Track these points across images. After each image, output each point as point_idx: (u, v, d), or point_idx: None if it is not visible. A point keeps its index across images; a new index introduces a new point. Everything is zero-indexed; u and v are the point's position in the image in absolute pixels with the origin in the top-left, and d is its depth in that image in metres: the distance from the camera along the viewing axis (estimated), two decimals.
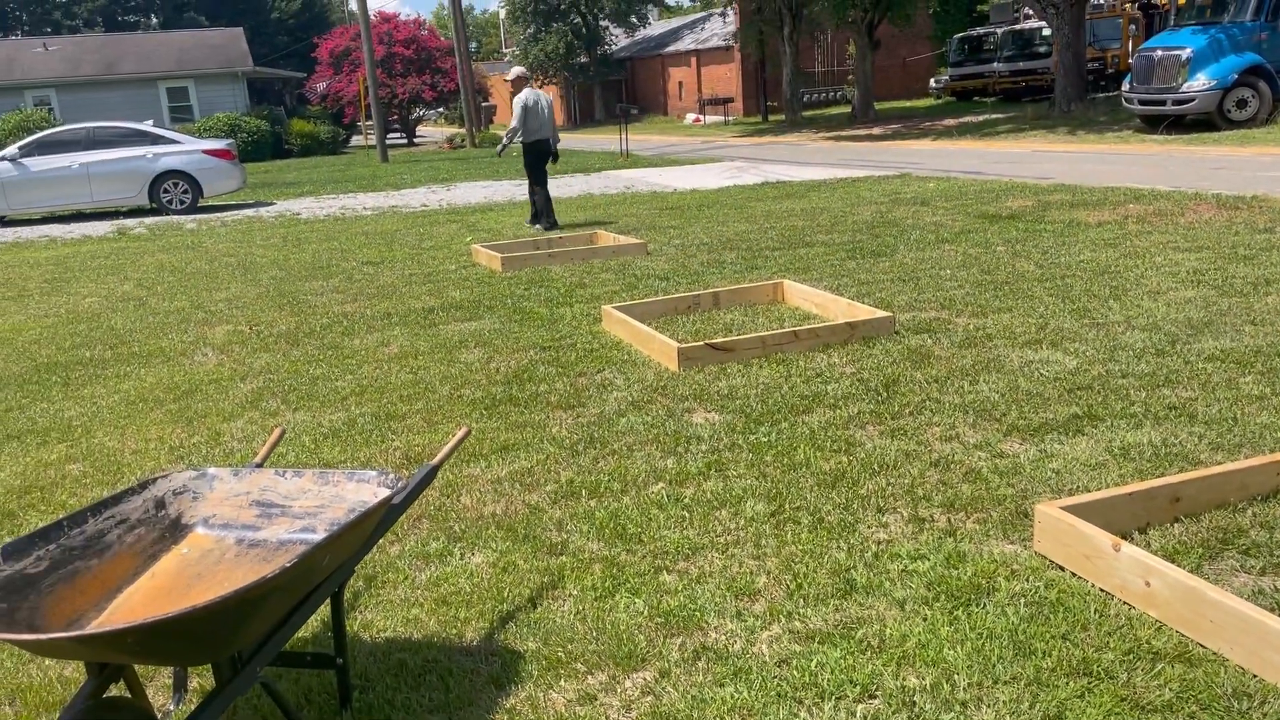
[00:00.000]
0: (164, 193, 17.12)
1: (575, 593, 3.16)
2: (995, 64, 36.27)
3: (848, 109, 41.43)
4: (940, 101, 39.88)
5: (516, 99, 11.50)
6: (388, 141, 36.24)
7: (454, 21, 34.60)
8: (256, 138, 32.72)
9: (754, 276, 8.00)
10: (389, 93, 39.18)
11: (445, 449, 2.99)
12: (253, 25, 40.84)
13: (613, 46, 53.12)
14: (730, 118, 40.96)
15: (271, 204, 18.44)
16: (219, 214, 17.05)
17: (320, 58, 41.49)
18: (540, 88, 55.00)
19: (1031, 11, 35.45)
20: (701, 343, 5.56)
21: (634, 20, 52.06)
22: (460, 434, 3.04)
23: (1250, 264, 7.11)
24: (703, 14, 53.93)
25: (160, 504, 2.80)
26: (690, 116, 44.63)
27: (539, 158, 11.76)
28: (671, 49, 50.26)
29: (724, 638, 2.84)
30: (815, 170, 17.80)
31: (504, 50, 62.39)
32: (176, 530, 2.79)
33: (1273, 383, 4.58)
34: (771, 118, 39.74)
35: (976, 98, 37.80)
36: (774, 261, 8.62)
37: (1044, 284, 6.90)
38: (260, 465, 3.07)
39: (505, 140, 11.99)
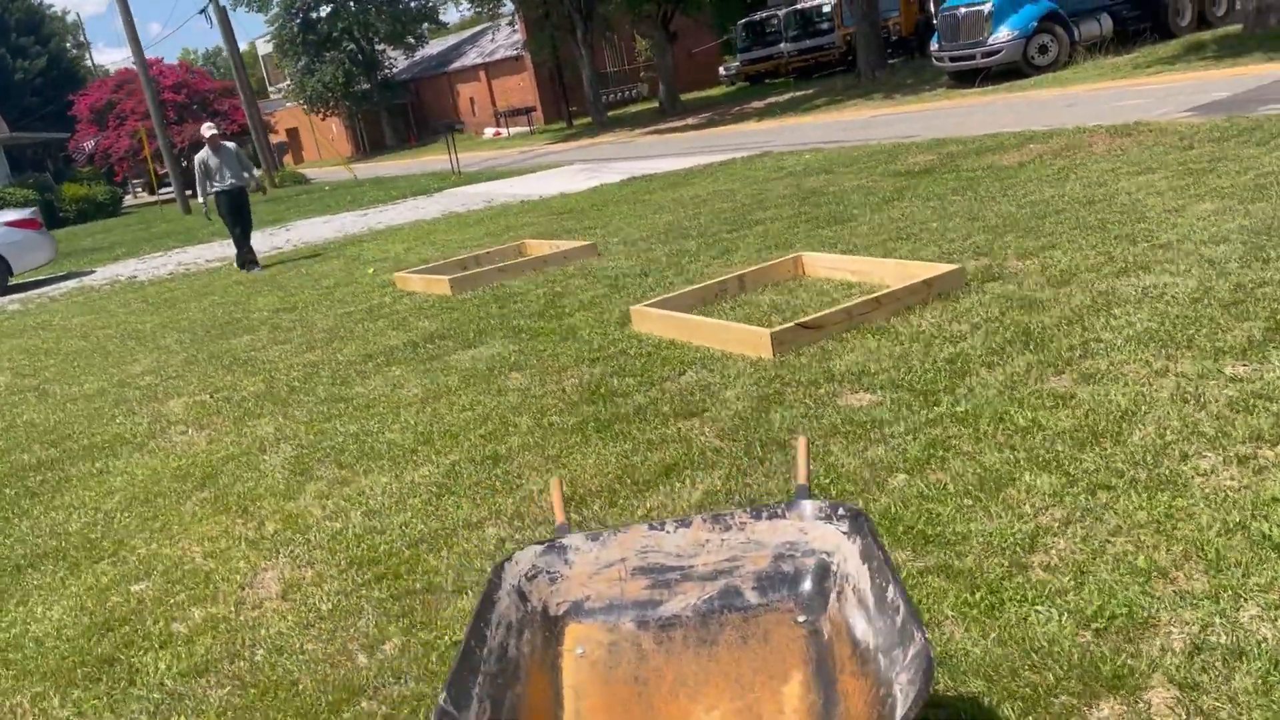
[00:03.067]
0: None
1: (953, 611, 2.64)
2: (782, 45, 37.34)
3: (648, 105, 41.75)
4: (735, 88, 40.74)
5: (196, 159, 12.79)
6: (168, 196, 33.70)
7: (232, 60, 32.47)
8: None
9: (739, 259, 7.58)
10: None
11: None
12: None
13: (393, 70, 51.54)
14: (533, 127, 40.39)
15: (91, 271, 16.56)
16: (37, 290, 15.13)
17: (80, 115, 38.13)
18: (323, 119, 52.61)
19: None
20: (792, 324, 5.09)
21: (411, 41, 50.65)
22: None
23: (1218, 175, 7.25)
24: (481, 27, 53.04)
25: (522, 596, 2.10)
26: (489, 130, 43.76)
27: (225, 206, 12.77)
28: (457, 65, 49.28)
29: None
30: (671, 161, 17.56)
31: (274, 85, 59.40)
32: (552, 627, 2.10)
33: None
34: (576, 122, 39.46)
35: (768, 80, 38.84)
36: (741, 242, 8.23)
37: (1053, 220, 6.81)
38: (566, 524, 2.39)
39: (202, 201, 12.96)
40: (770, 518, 2.15)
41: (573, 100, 40.30)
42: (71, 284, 15.23)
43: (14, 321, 11.95)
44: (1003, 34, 20.66)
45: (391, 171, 32.37)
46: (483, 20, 48.04)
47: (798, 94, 29.86)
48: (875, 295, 5.32)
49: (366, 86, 49.49)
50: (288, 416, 5.59)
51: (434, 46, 54.24)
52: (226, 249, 16.60)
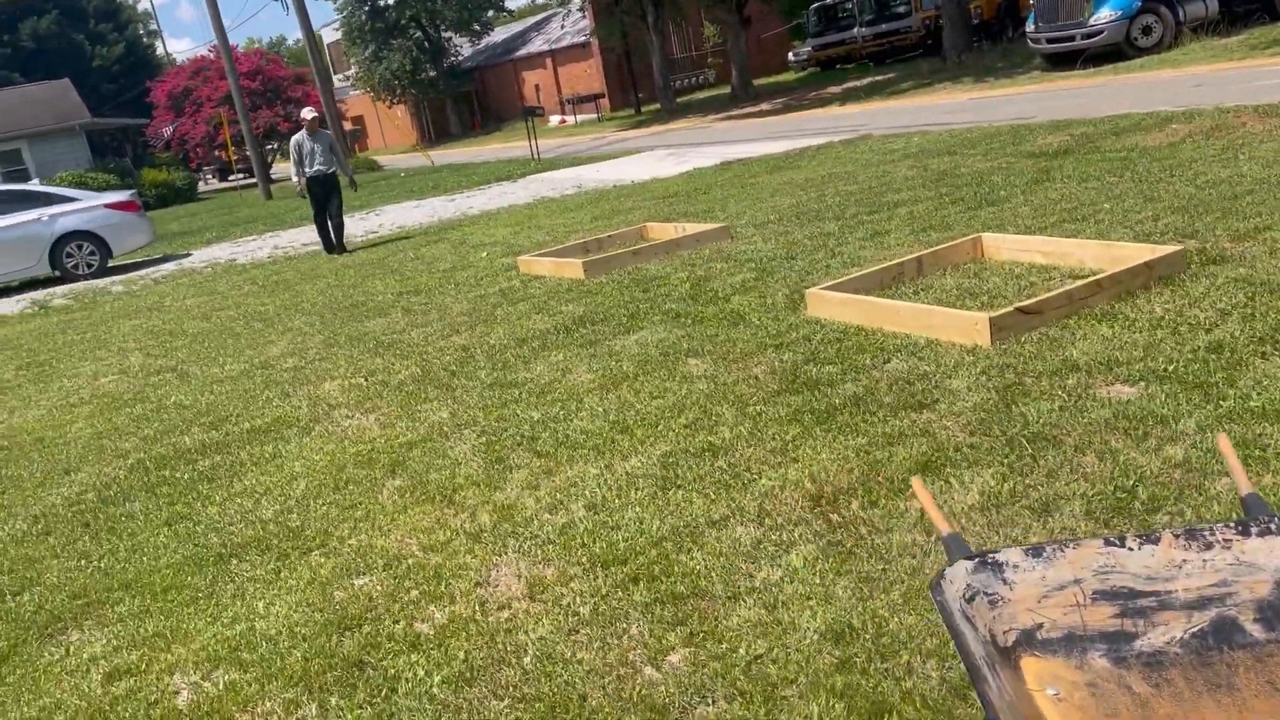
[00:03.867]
0: (67, 257, 15.11)
1: None
2: (856, 29, 36.61)
3: (717, 92, 41.26)
4: (806, 73, 40.09)
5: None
6: (242, 181, 33.93)
7: (308, 47, 32.56)
8: None
9: (892, 241, 7.20)
10: (239, 130, 36.70)
11: None
12: (74, 76, 37.47)
13: (459, 57, 51.55)
14: (600, 114, 40.07)
15: (187, 254, 16.60)
16: (136, 272, 15.16)
17: (157, 101, 38.59)
18: (390, 107, 52.84)
19: None
20: (1010, 308, 4.72)
21: (477, 28, 50.57)
22: None
23: None
24: (548, 14, 52.84)
25: (969, 621, 1.77)
26: (555, 118, 43.53)
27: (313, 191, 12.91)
28: (522, 53, 49.11)
29: None
30: (760, 145, 17.12)
31: (339, 74, 59.80)
32: (1005, 660, 1.77)
33: None
34: (644, 109, 39.09)
35: (839, 65, 38.14)
36: (888, 224, 7.84)
37: (1248, 200, 6.35)
38: (958, 535, 2.06)
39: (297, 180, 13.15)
40: (1263, 534, 1.79)
41: (640, 87, 39.94)
42: (170, 266, 15.24)
43: (124, 303, 11.91)
44: (1105, 14, 19.94)
45: (462, 158, 32.30)
46: (551, 6, 47.87)
47: (878, 78, 29.22)
48: (1095, 278, 4.93)
49: (433, 74, 49.56)
50: (457, 401, 5.33)
51: (499, 34, 54.17)
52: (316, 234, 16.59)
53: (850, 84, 29.78)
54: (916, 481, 2.25)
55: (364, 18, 47.93)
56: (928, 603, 2.72)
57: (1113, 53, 19.96)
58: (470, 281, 8.91)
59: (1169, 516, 2.91)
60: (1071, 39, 20.39)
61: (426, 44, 49.08)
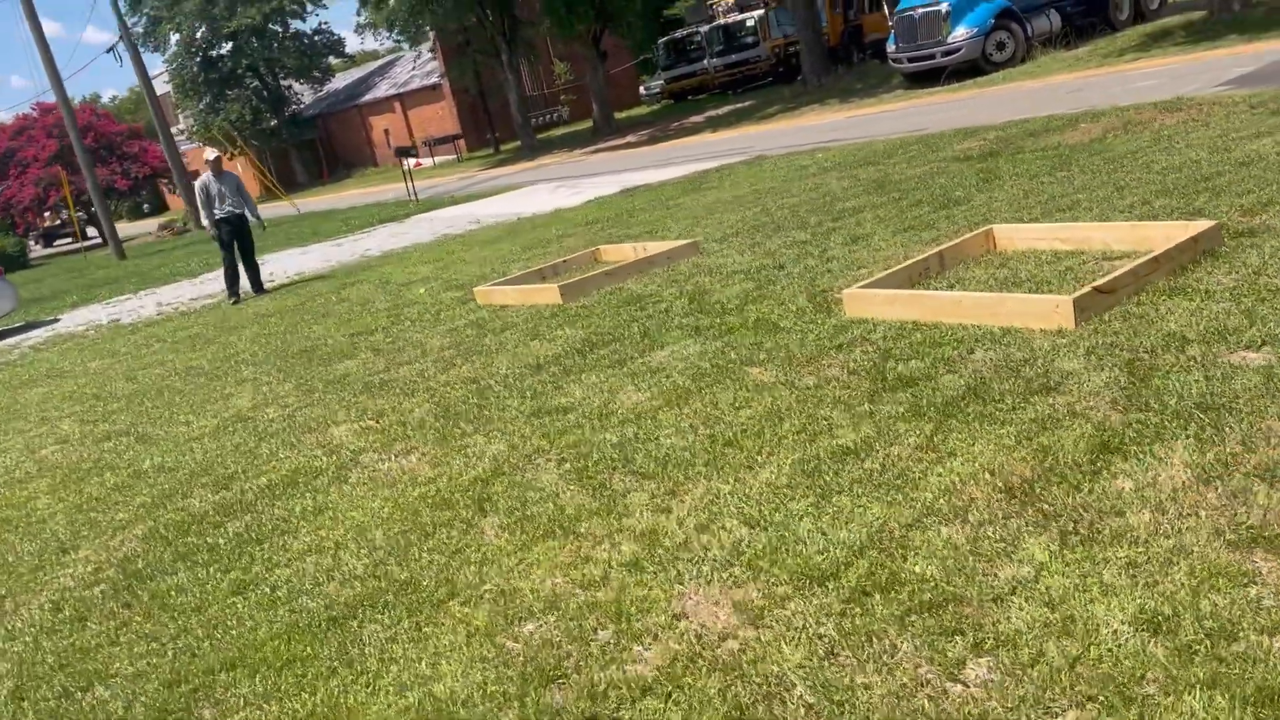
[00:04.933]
0: None
1: None
2: (707, 61, 37.41)
3: (574, 128, 41.38)
4: (660, 106, 40.67)
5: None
6: (68, 246, 31.83)
7: (148, 100, 30.91)
8: None
9: (879, 242, 7.16)
10: (75, 189, 34.49)
11: None
12: None
13: (301, 105, 50.12)
14: (460, 155, 39.53)
15: (54, 319, 15.30)
16: (2, 341, 13.83)
17: None
18: (231, 159, 51.31)
19: (722, 7, 36.96)
20: (1088, 289, 4.69)
21: (318, 75, 49.31)
22: None
23: None
24: (389, 59, 52.00)
25: None
26: (409, 161, 42.62)
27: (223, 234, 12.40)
28: (369, 98, 48.16)
29: None
30: (658, 172, 17.09)
31: (175, 126, 57.09)
32: None
33: None
34: (503, 147, 38.80)
35: (691, 97, 38.87)
36: (867, 227, 7.81)
37: (1225, 179, 6.58)
38: None
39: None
40: None
41: (496, 126, 39.65)
42: (42, 332, 14.00)
43: (11, 373, 10.79)
44: (961, 32, 20.90)
45: (323, 205, 31.24)
46: (396, 51, 47.08)
47: (739, 106, 29.86)
48: (1152, 256, 4.95)
49: (274, 123, 47.99)
50: (506, 433, 4.93)
51: (340, 80, 53.00)
52: (203, 285, 15.58)
53: (710, 113, 30.33)
54: None
55: (195, 69, 46.03)
56: (1229, 579, 2.55)
57: (970, 68, 20.91)
58: (427, 317, 8.42)
59: None
60: (932, 57, 21.29)
61: (266, 93, 47.52)
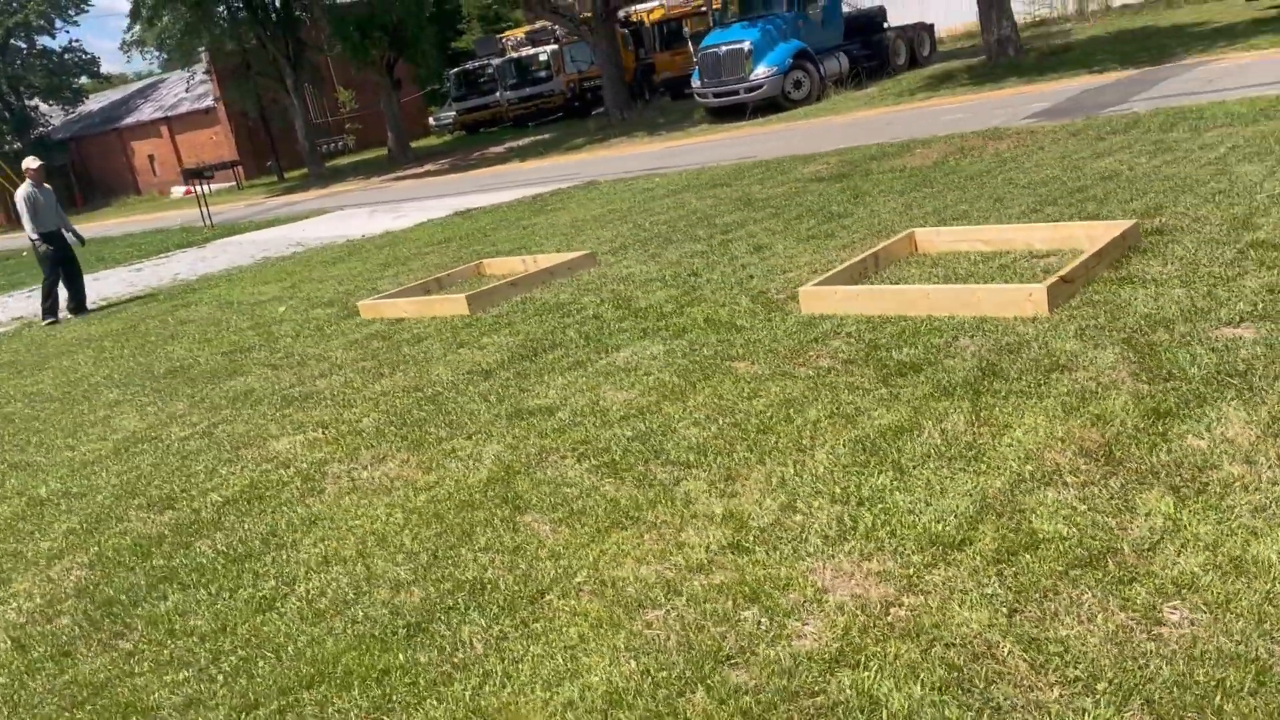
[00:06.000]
0: None
1: None
2: (500, 94, 37.34)
3: (362, 156, 40.16)
4: (453, 137, 40.18)
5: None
6: None
7: None
8: None
9: (781, 250, 7.31)
10: None
11: None
12: None
13: (49, 127, 46.08)
14: (240, 183, 37.41)
15: None
16: None
17: None
18: None
19: (512, 41, 37.12)
20: (1055, 278, 4.96)
21: (68, 95, 45.54)
22: None
23: (1174, 151, 7.97)
24: (153, 80, 48.71)
25: None
26: (177, 189, 39.96)
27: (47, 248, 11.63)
28: (130, 121, 44.88)
29: None
30: (485, 196, 16.85)
31: None
32: None
33: None
34: (288, 175, 37.09)
35: (483, 129, 38.70)
36: (763, 239, 7.96)
37: (1103, 189, 7.17)
38: None
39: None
40: None
41: (279, 153, 37.88)
42: None
43: None
44: (762, 70, 21.89)
45: (96, 231, 28.69)
46: (159, 73, 44.19)
47: (539, 138, 29.95)
48: (1097, 250, 5.31)
49: (18, 146, 43.78)
50: (494, 435, 4.65)
51: (95, 102, 49.14)
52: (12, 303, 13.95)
53: (510, 144, 30.25)
54: None
55: None
56: None
57: (771, 105, 21.93)
58: (308, 333, 7.87)
59: None
60: (735, 93, 22.15)
61: (8, 114, 43.38)
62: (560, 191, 15.09)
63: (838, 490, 3.45)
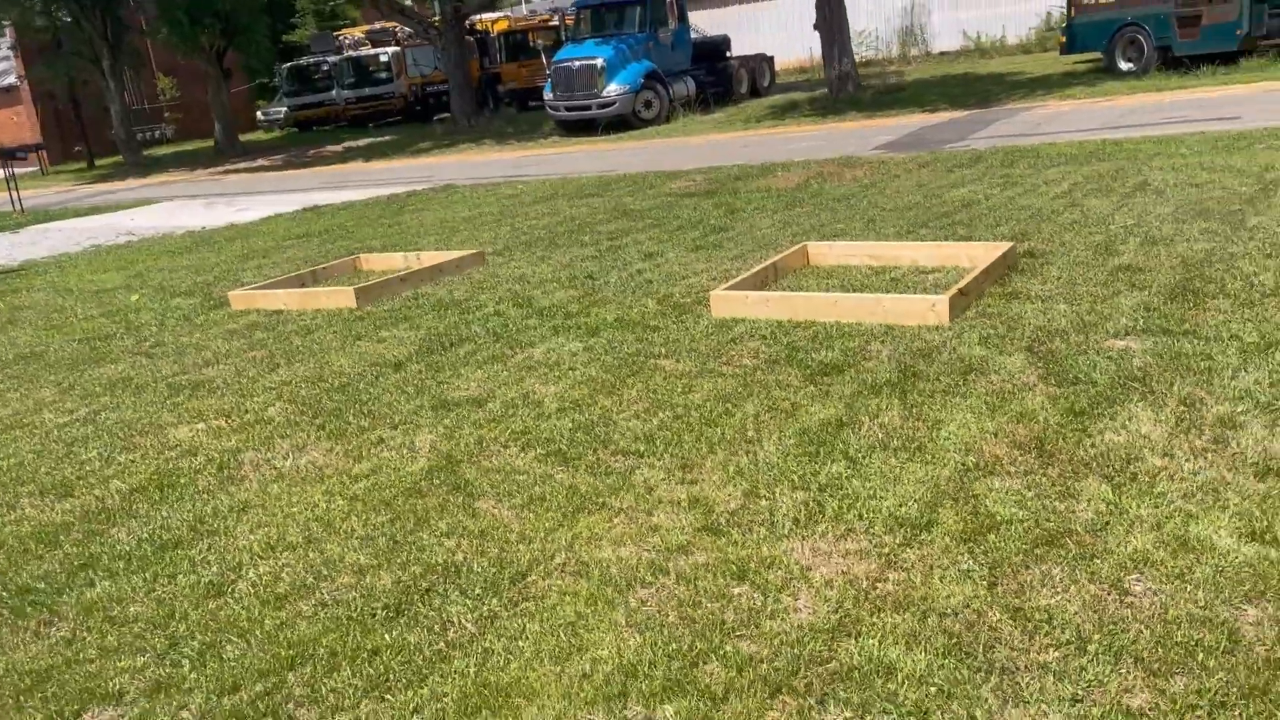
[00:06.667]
0: None
1: None
2: (336, 92, 36.32)
3: (182, 146, 38.14)
4: (284, 133, 38.74)
5: None
6: None
7: None
8: None
9: (673, 259, 7.47)
10: None
11: None
12: None
13: None
14: (44, 168, 34.77)
15: None
16: None
17: None
18: None
19: (349, 40, 36.23)
20: (955, 290, 5.30)
21: None
22: None
23: (1017, 183, 8.65)
24: None
25: None
26: None
27: None
28: None
29: None
30: (335, 194, 16.36)
31: None
32: None
33: None
34: (99, 162, 34.78)
35: (316, 127, 37.52)
36: (649, 247, 8.10)
37: (966, 214, 7.68)
38: None
39: None
40: None
41: (90, 139, 35.49)
42: None
43: None
44: (614, 88, 22.19)
45: None
46: None
47: (379, 139, 29.30)
48: (985, 268, 5.70)
49: None
50: (419, 425, 4.56)
51: None
52: None
53: (349, 144, 29.45)
54: None
55: None
56: (1276, 496, 3.08)
57: (621, 122, 22.26)
58: (177, 322, 7.45)
59: None
60: (588, 108, 22.36)
61: None
62: (417, 193, 14.83)
63: (796, 478, 3.58)
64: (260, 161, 27.96)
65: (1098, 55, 19.41)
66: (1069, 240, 6.51)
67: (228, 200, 17.80)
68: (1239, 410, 3.69)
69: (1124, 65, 18.24)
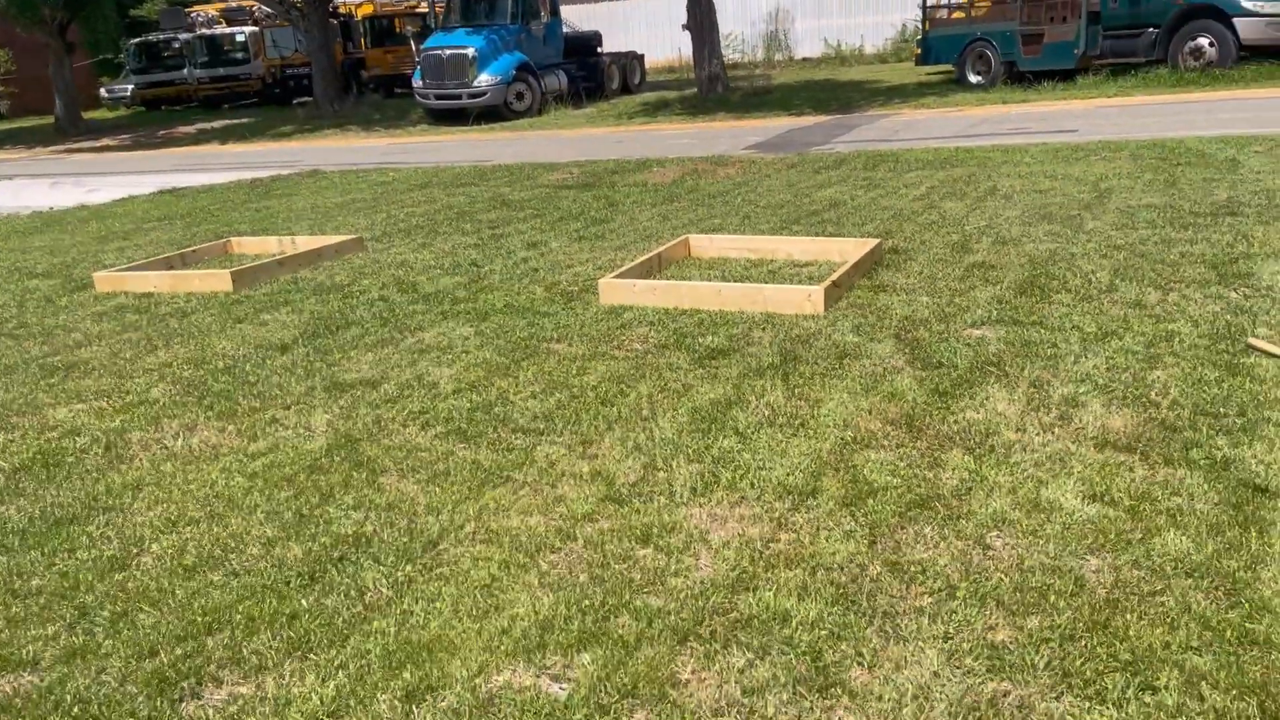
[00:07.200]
0: None
1: None
2: (188, 70, 34.93)
3: (17, 124, 35.96)
4: (131, 111, 37.00)
5: None
6: None
7: None
8: None
9: (557, 248, 7.64)
10: None
11: None
12: None
13: None
14: None
15: None
16: None
17: None
18: None
19: (202, 17, 34.93)
20: (828, 282, 5.64)
21: None
22: None
23: (879, 186, 9.17)
24: None
25: None
26: None
27: None
28: None
29: None
30: (192, 177, 15.82)
31: None
32: None
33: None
34: None
35: (165, 106, 36.03)
36: (532, 236, 8.23)
37: (831, 214, 8.11)
38: None
39: None
40: None
41: None
42: None
43: None
44: (485, 78, 22.14)
45: None
46: None
47: (235, 121, 28.37)
48: (854, 262, 6.07)
49: None
50: (312, 405, 4.60)
51: None
52: None
53: (201, 125, 28.47)
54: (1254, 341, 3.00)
55: None
56: (1112, 466, 3.48)
57: (493, 113, 22.22)
58: (37, 304, 7.18)
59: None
60: (459, 97, 22.23)
61: None
62: (282, 178, 14.52)
63: (690, 451, 3.81)
64: (106, 141, 26.70)
65: (950, 67, 20.45)
66: (928, 239, 6.97)
67: (75, 180, 17.01)
68: (1081, 391, 4.11)
69: (973, 78, 19.29)
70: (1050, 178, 8.83)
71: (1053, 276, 5.74)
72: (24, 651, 2.78)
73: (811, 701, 2.39)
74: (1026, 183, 8.71)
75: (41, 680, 2.66)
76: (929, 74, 22.64)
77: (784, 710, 2.37)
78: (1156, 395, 4.01)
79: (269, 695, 2.52)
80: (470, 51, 22.02)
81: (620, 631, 2.70)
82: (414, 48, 29.01)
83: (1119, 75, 17.42)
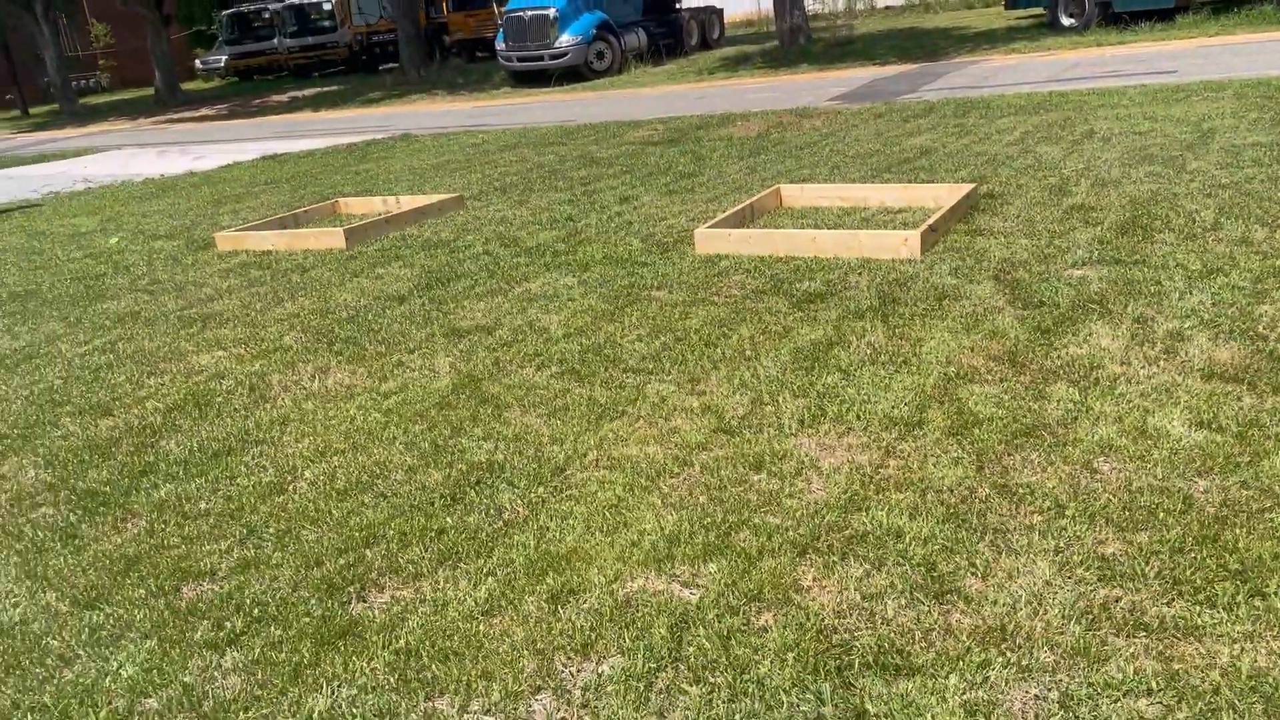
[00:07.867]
0: None
1: None
2: (278, 40, 35.72)
3: (119, 95, 37.28)
4: (225, 82, 38.06)
5: None
6: None
7: None
8: None
9: (647, 202, 7.80)
10: None
11: None
12: None
13: None
14: None
15: None
16: None
17: None
18: None
19: None
20: (925, 226, 5.71)
21: None
22: None
23: (968, 133, 9.11)
24: None
25: None
26: None
27: None
28: None
29: None
30: (294, 143, 16.33)
31: None
32: None
33: None
34: (32, 111, 33.92)
35: (256, 76, 36.95)
36: (624, 190, 8.41)
37: (926, 161, 8.11)
38: None
39: None
40: None
41: (21, 87, 34.55)
42: None
43: None
44: (567, 39, 22.27)
45: None
46: None
47: (326, 89, 29.00)
48: (949, 207, 6.12)
49: None
50: (434, 350, 4.87)
51: None
52: None
53: (293, 93, 29.16)
54: None
55: None
56: (1221, 396, 3.54)
57: (573, 74, 22.36)
58: (166, 263, 7.62)
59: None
60: (540, 59, 22.42)
61: None
62: (376, 142, 14.92)
63: (795, 388, 3.97)
64: (204, 111, 27.57)
65: (1040, 10, 19.93)
66: (1025, 183, 6.96)
67: (181, 149, 17.67)
68: (1186, 325, 4.15)
69: (1066, 21, 18.79)
70: (1150, 119, 8.68)
71: (1155, 216, 5.72)
72: (202, 564, 3.09)
73: (929, 605, 2.55)
74: (1125, 125, 8.58)
75: (221, 587, 2.96)
76: (1019, 18, 22.09)
77: (903, 613, 2.54)
78: (1264, 329, 4.04)
79: (427, 598, 2.78)
80: (552, 12, 22.16)
81: (742, 545, 2.89)
82: (496, 10, 29.19)
83: (1220, 14, 16.82)
